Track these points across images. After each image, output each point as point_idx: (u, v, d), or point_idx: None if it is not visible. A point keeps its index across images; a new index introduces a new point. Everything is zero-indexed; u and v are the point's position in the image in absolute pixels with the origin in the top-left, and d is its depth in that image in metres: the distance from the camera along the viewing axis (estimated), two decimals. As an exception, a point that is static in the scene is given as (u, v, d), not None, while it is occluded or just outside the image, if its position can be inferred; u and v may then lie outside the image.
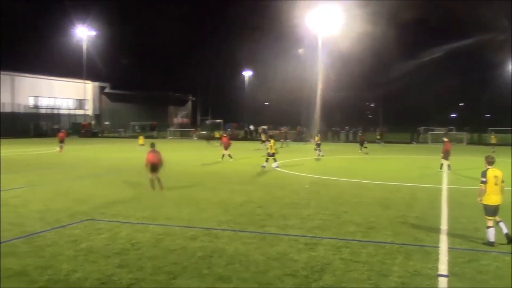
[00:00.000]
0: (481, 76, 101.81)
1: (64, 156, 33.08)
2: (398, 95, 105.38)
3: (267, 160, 24.81)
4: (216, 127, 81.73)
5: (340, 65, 78.35)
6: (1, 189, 16.50)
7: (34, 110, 76.28)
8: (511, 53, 73.90)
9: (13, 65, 74.34)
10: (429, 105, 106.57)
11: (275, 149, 25.04)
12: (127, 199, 14.73)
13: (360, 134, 45.12)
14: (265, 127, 71.44)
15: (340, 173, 22.85)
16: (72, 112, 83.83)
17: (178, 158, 30.45)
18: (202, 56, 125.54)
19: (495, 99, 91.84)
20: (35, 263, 8.17)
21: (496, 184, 9.58)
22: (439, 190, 17.13)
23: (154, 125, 79.36)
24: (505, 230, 9.57)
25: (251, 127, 75.37)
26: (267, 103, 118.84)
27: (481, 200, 9.69)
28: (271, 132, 44.96)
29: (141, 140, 39.30)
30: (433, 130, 64.92)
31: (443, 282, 7.50)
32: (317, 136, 34.57)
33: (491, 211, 9.58)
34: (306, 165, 27.29)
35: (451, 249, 9.25)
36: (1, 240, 9.59)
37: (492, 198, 9.59)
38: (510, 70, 77.70)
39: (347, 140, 58.77)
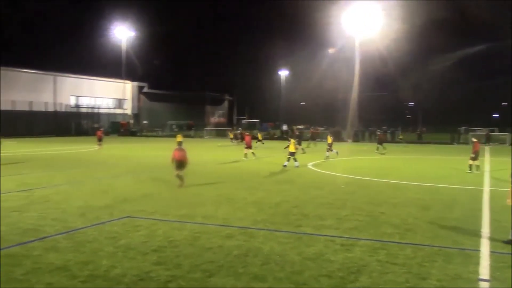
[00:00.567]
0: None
1: (103, 154, 33.83)
2: (438, 95, 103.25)
3: (288, 159, 24.80)
4: (251, 126, 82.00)
5: (378, 64, 77.38)
6: (45, 186, 17.07)
7: (75, 109, 78.29)
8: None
9: (56, 65, 76.54)
10: (471, 105, 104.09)
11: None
12: (164, 197, 14.94)
13: (379, 133, 43.79)
14: (301, 126, 71.28)
15: (376, 173, 22.56)
16: (111, 111, 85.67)
17: (213, 157, 30.69)
18: (239, 55, 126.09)
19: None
20: (76, 258, 8.37)
21: None
22: (480, 192, 16.69)
23: (191, 124, 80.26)
24: None
25: (284, 126, 75.32)
26: (303, 103, 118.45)
27: (510, 202, 9.44)
28: (297, 132, 44.82)
29: (179, 138, 39.93)
30: (474, 130, 63.28)
31: (484, 286, 7.31)
32: (329, 136, 33.21)
33: None
34: (341, 165, 27.05)
35: (492, 253, 9.00)
36: (45, 235, 9.88)
37: None
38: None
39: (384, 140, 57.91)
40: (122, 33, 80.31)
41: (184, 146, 17.55)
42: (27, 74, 71.77)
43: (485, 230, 10.86)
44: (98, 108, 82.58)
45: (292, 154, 24.75)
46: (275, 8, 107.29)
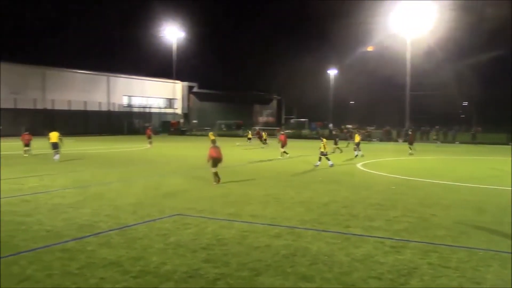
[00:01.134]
0: None
1: (154, 152, 34.60)
2: (493, 94, 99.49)
3: (320, 159, 24.53)
4: (300, 126, 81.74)
5: (432, 64, 75.49)
6: (99, 183, 17.65)
7: (128, 109, 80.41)
8: None
9: (109, 66, 79.00)
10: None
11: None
12: (213, 195, 15.11)
13: (410, 133, 42.26)
14: (350, 126, 70.52)
15: (426, 174, 22.00)
16: (162, 111, 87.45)
17: (259, 156, 30.78)
18: (288, 54, 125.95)
19: None
20: (127, 254, 8.60)
21: None
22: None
23: (240, 123, 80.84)
24: None
25: (330, 126, 74.68)
26: (352, 102, 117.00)
27: None
28: (345, 131, 44.03)
29: (211, 136, 41.07)
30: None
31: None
32: (357, 135, 32.59)
33: None
34: (391, 165, 26.55)
35: (552, 258, 8.60)
36: (99, 231, 10.20)
37: None
38: None
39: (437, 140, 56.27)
40: (173, 34, 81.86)
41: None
42: (82, 75, 74.36)
43: (544, 234, 10.39)
44: (150, 107, 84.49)
45: (323, 154, 24.53)
46: (325, 7, 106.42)
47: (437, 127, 63.48)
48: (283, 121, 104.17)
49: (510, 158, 28.88)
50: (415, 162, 29.12)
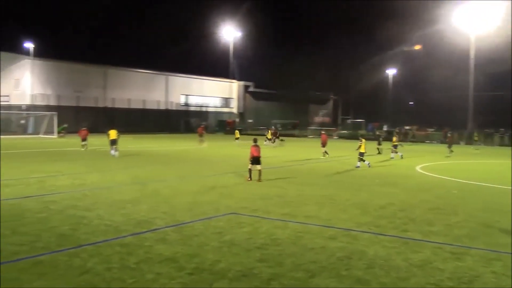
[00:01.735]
0: None
1: (209, 151, 35.06)
2: None
3: (359, 160, 24.11)
4: (357, 126, 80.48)
5: (495, 62, 72.42)
6: (156, 180, 18.06)
7: (185, 108, 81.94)
8: None
9: (167, 66, 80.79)
10: None
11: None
12: (267, 195, 15.09)
13: (449, 135, 40.16)
14: (407, 127, 68.79)
15: (490, 178, 21.12)
16: (218, 110, 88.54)
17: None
18: (344, 54, 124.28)
19: None
20: (183, 250, 8.72)
21: None
22: None
23: (297, 123, 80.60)
24: None
25: (385, 127, 73.04)
26: (411, 103, 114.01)
27: None
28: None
29: (237, 134, 43.07)
30: None
31: None
32: (395, 137, 31.62)
33: None
34: (452, 168, 25.65)
35: None
36: (156, 227, 10.42)
37: None
38: None
39: (501, 143, 53.90)
40: (229, 34, 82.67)
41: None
42: (141, 74, 76.45)
43: None
44: (206, 106, 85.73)
45: (362, 154, 24.04)
46: (382, 7, 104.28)
47: (502, 129, 60.83)
48: (339, 121, 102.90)
49: None
50: (477, 165, 28.02)
